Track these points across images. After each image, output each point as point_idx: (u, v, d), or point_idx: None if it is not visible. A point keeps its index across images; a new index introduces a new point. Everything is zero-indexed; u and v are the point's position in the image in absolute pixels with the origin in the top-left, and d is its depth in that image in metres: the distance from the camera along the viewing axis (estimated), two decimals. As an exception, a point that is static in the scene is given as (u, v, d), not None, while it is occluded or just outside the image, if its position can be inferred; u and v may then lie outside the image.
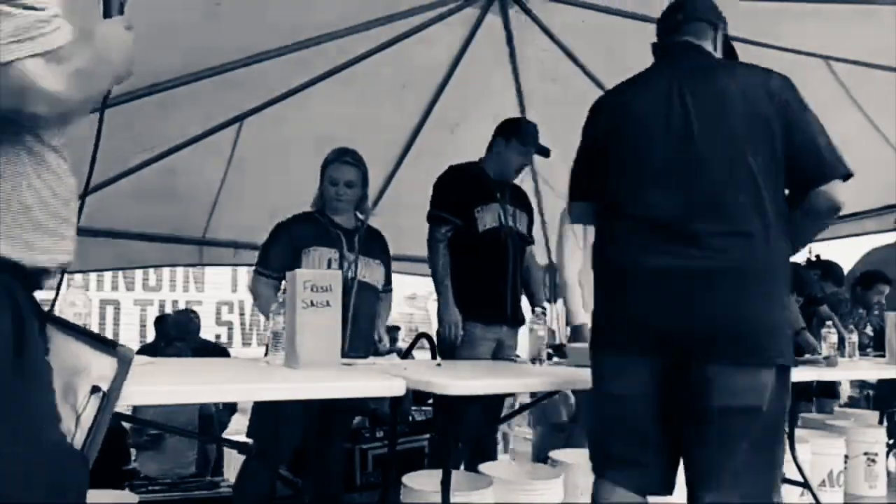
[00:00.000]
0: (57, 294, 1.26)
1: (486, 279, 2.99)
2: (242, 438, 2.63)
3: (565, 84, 4.21)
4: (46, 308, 1.22)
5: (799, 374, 2.82)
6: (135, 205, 4.17)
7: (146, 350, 4.77)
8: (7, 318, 1.00)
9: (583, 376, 2.27)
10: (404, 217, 5.18)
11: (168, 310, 10.84)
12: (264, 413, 2.43)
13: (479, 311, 2.96)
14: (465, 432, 2.47)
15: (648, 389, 1.62)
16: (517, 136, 3.06)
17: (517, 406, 4.11)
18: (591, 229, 3.16)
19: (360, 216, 2.78)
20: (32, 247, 1.05)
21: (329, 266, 2.55)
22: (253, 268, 2.69)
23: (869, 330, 4.34)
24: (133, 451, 4.13)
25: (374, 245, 2.78)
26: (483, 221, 2.99)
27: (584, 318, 3.15)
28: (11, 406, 0.99)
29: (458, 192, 3.05)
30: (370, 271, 2.68)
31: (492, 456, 2.89)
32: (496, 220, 3.00)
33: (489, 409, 2.82)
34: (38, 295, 1.13)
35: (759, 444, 1.59)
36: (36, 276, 1.10)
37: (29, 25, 0.93)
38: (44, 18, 0.95)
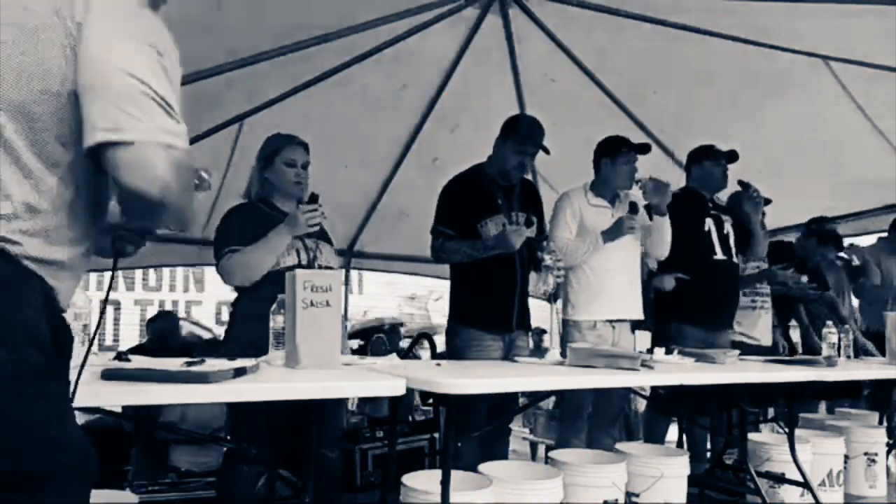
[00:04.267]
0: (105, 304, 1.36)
1: (493, 290, 2.94)
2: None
3: (565, 84, 4.21)
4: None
5: (799, 374, 2.83)
6: (135, 205, 4.17)
7: (140, 350, 4.76)
8: (44, 319, 1.08)
9: (583, 376, 2.28)
10: (404, 217, 5.21)
11: (168, 309, 10.85)
12: (246, 414, 2.40)
13: (487, 320, 2.94)
14: (467, 431, 2.46)
15: None
16: (513, 134, 2.98)
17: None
18: (586, 210, 3.23)
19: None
20: (73, 263, 1.16)
21: (298, 255, 2.48)
22: (223, 254, 2.46)
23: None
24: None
25: (319, 231, 2.65)
26: (487, 236, 2.91)
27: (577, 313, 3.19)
28: (51, 390, 1.08)
29: (461, 205, 2.98)
30: (327, 254, 2.61)
31: (501, 457, 2.87)
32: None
33: (497, 410, 2.80)
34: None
35: None
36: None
37: (176, 130, 1.10)
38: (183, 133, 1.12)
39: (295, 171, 2.57)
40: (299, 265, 2.45)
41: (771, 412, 3.58)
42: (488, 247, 2.87)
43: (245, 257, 2.42)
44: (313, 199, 2.48)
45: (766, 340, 4.01)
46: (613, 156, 3.26)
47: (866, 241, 5.13)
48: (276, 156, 2.60)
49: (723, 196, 3.87)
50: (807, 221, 4.64)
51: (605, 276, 3.17)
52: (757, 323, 3.97)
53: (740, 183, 3.72)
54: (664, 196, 3.17)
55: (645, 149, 3.27)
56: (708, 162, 3.62)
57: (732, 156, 3.59)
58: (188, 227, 1.29)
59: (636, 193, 3.27)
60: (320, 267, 2.51)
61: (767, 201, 3.94)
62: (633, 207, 3.15)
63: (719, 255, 3.58)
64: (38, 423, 1.03)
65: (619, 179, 3.25)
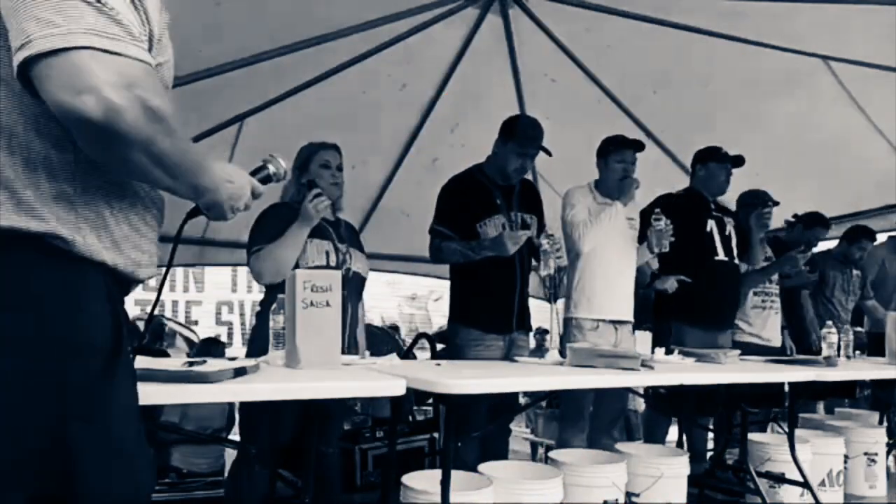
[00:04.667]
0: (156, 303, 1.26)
1: (493, 290, 2.94)
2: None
3: (565, 84, 4.21)
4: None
5: (799, 374, 2.83)
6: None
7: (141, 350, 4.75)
8: (108, 318, 1.00)
9: (583, 376, 2.28)
10: (404, 217, 5.21)
11: (168, 310, 10.87)
12: (253, 414, 2.43)
13: (487, 320, 2.94)
14: (467, 431, 2.46)
15: None
16: (513, 136, 2.96)
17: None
18: (593, 207, 3.23)
19: (336, 213, 2.73)
20: (135, 259, 1.06)
21: (327, 257, 2.53)
22: (251, 254, 2.54)
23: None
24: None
25: (353, 237, 2.77)
26: (486, 236, 2.91)
27: (578, 311, 3.18)
28: (103, 410, 0.99)
29: (460, 205, 2.99)
30: (358, 261, 2.67)
31: (501, 457, 2.87)
32: (499, 233, 2.90)
33: (497, 410, 2.80)
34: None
35: None
36: (129, 285, 1.10)
37: (117, 34, 0.88)
38: (136, 39, 0.91)
39: (331, 173, 2.63)
40: (327, 266, 2.49)
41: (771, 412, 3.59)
42: (484, 248, 2.86)
43: (269, 255, 2.47)
44: (312, 186, 2.52)
45: (776, 341, 4.01)
46: (605, 156, 3.26)
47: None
48: (310, 161, 2.65)
49: (729, 198, 3.87)
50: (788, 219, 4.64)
51: (606, 277, 3.16)
52: (766, 323, 3.97)
53: (758, 196, 3.72)
54: (663, 241, 3.15)
55: (637, 146, 3.24)
56: (713, 164, 3.60)
57: (738, 160, 3.57)
58: (197, 179, 1.05)
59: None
60: (349, 271, 2.55)
61: (775, 203, 3.95)
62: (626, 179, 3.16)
63: (721, 256, 3.58)
64: (77, 442, 0.94)
65: (612, 179, 3.23)
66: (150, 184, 1.06)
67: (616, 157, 3.22)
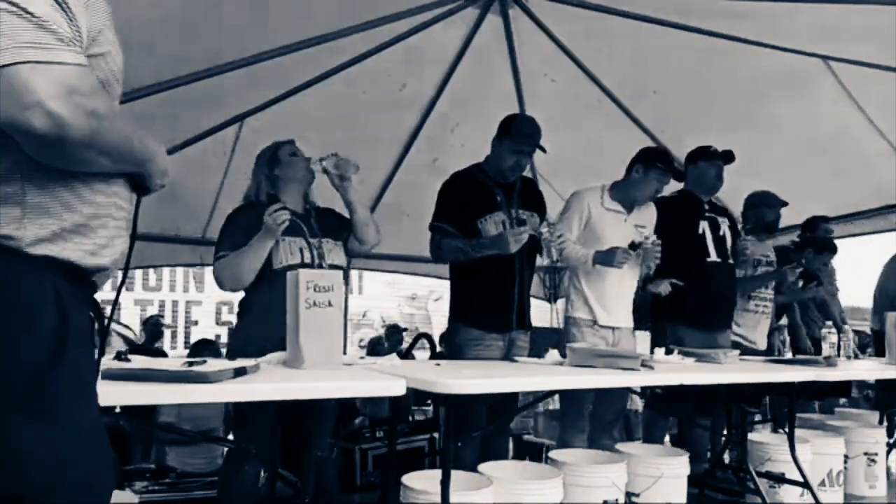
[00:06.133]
0: (118, 295, 1.26)
1: (493, 288, 2.94)
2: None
3: (565, 84, 4.22)
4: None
5: (799, 374, 2.83)
6: (135, 205, 4.17)
7: (139, 350, 4.76)
8: (52, 315, 0.99)
9: (583, 376, 2.29)
10: (404, 217, 5.21)
11: (168, 310, 10.88)
12: (244, 413, 2.44)
13: (487, 319, 2.94)
14: (467, 431, 2.46)
15: None
16: (509, 134, 2.95)
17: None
18: (599, 213, 3.22)
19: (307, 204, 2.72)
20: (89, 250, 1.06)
21: (301, 255, 2.51)
22: (215, 260, 2.56)
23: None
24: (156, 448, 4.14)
25: (329, 223, 2.71)
26: (486, 233, 2.91)
27: (579, 311, 3.18)
28: (49, 403, 0.97)
29: (460, 202, 2.98)
30: (334, 254, 2.63)
31: (501, 457, 2.86)
32: (500, 230, 2.90)
33: (497, 410, 2.80)
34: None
35: None
36: (90, 275, 1.09)
37: (52, 44, 0.91)
38: (72, 49, 0.93)
39: (301, 159, 2.65)
40: (302, 264, 2.47)
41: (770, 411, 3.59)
42: (485, 246, 2.86)
43: (230, 264, 2.48)
44: (273, 200, 2.51)
45: (762, 344, 4.03)
46: (648, 167, 3.20)
47: (866, 241, 5.12)
48: (278, 151, 2.68)
49: (728, 201, 3.88)
50: (803, 223, 4.61)
51: (604, 283, 3.15)
52: (756, 326, 3.98)
53: (767, 198, 3.71)
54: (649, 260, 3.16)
55: (679, 176, 3.26)
56: (703, 162, 3.59)
57: (729, 156, 3.57)
58: (148, 168, 1.13)
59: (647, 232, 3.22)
60: (330, 266, 2.54)
61: (784, 203, 4.02)
62: (633, 245, 3.13)
63: (713, 258, 3.56)
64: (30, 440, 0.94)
65: (642, 191, 3.21)
66: (97, 170, 1.07)
67: (658, 174, 3.19)
